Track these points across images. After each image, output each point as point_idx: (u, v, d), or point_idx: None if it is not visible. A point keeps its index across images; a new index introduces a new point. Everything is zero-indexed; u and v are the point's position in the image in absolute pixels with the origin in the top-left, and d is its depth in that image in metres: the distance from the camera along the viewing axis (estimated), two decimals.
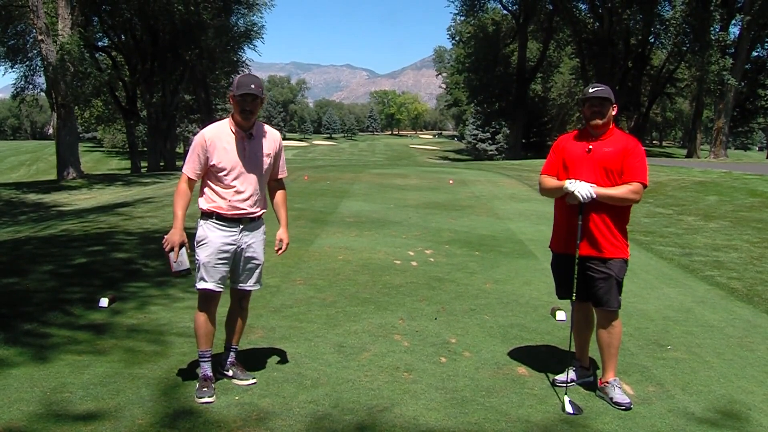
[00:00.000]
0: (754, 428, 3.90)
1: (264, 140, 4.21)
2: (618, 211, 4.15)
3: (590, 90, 4.18)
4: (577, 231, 4.16)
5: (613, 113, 4.17)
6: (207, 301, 4.18)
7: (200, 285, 4.14)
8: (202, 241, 4.12)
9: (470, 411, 3.99)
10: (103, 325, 5.42)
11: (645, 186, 4.10)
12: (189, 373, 4.42)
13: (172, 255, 4.06)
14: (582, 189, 4.02)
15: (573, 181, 4.11)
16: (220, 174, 4.08)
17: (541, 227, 11.44)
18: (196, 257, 4.13)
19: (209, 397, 4.02)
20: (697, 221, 12.18)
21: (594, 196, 4.01)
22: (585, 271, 4.23)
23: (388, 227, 11.04)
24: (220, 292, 4.19)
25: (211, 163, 4.06)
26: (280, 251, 4.36)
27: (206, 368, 4.18)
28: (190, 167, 4.10)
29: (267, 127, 4.28)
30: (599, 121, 4.14)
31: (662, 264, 8.58)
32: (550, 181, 4.30)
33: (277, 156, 4.31)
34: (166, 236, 4.08)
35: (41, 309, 5.83)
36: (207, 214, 4.13)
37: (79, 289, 6.58)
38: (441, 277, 7.50)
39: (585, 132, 4.27)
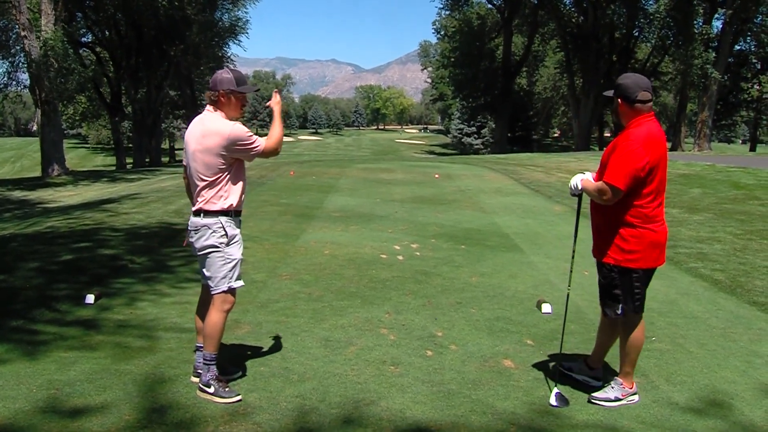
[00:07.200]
0: (737, 417, 3.96)
1: None
2: (607, 211, 3.91)
3: None
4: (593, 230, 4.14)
5: (620, 108, 3.91)
6: (233, 299, 4.13)
7: (237, 284, 4.07)
8: (234, 239, 4.02)
9: (456, 404, 4.02)
10: (91, 322, 5.41)
11: (616, 187, 3.70)
12: (176, 368, 4.42)
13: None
14: (572, 180, 4.03)
15: (578, 174, 4.10)
16: (243, 169, 4.06)
17: (527, 221, 11.50)
18: (231, 256, 4.01)
19: (237, 394, 3.99)
20: (681, 213, 12.27)
21: (579, 189, 4.00)
22: None
23: (374, 222, 11.04)
24: None
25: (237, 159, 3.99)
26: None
27: (215, 369, 4.08)
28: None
29: None
30: (615, 116, 4.08)
31: None
32: None
33: None
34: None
35: (28, 306, 5.81)
36: (226, 212, 3.98)
37: (65, 286, 6.55)
38: (427, 271, 7.52)
39: None
